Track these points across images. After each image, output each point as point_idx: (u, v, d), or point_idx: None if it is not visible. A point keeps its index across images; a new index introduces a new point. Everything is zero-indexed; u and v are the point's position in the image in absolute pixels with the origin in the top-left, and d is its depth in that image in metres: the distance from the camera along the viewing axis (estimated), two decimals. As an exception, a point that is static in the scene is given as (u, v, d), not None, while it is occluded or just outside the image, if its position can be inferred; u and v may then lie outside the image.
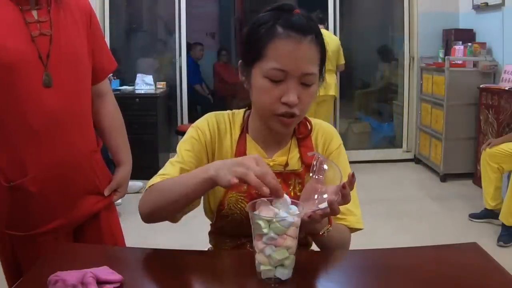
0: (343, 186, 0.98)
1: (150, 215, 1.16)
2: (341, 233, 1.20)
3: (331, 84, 4.57)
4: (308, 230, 1.10)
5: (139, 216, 1.20)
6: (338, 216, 1.09)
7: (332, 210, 0.98)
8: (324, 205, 0.99)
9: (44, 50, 1.36)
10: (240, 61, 1.20)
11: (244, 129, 1.25)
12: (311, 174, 1.05)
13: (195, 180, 1.04)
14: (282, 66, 1.10)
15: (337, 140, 1.30)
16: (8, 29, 1.32)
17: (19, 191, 1.38)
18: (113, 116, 1.66)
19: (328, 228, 1.10)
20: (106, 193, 1.57)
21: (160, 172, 1.21)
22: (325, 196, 1.00)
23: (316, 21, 1.18)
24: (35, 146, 1.37)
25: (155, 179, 1.18)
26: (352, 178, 0.98)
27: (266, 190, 0.94)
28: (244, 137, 1.24)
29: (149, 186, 1.18)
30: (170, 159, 1.23)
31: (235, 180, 0.95)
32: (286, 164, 1.23)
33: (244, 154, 1.21)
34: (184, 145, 1.23)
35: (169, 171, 1.19)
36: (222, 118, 1.27)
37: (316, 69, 1.14)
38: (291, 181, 1.23)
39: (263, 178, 0.95)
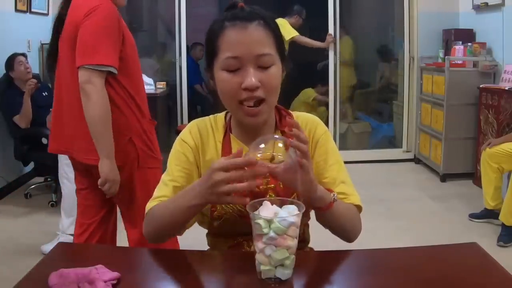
0: (289, 129, 1.03)
1: (155, 238, 1.21)
2: (348, 208, 1.22)
3: None
4: (315, 204, 1.12)
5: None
6: (341, 197, 1.15)
7: (300, 142, 1.03)
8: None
9: None
10: (205, 66, 1.24)
11: (227, 130, 1.28)
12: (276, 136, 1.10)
13: (185, 205, 1.09)
14: (234, 53, 1.13)
15: (322, 127, 1.32)
16: None
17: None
18: None
19: (333, 195, 1.12)
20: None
21: (156, 194, 1.24)
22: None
23: (262, 13, 1.19)
24: None
25: (152, 203, 1.22)
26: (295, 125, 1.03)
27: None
28: (228, 137, 1.27)
29: (148, 210, 1.21)
30: (163, 178, 1.26)
31: (236, 199, 1.03)
32: (272, 158, 1.23)
33: (230, 152, 1.23)
34: (172, 160, 1.27)
35: (164, 192, 1.23)
36: (203, 124, 1.30)
37: (271, 50, 1.15)
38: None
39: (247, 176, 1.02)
